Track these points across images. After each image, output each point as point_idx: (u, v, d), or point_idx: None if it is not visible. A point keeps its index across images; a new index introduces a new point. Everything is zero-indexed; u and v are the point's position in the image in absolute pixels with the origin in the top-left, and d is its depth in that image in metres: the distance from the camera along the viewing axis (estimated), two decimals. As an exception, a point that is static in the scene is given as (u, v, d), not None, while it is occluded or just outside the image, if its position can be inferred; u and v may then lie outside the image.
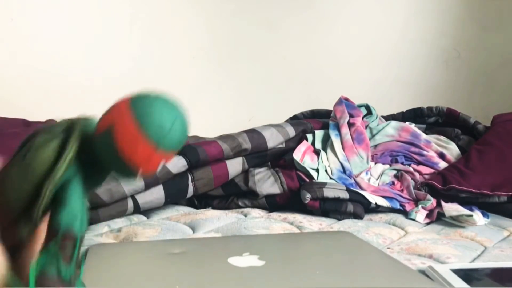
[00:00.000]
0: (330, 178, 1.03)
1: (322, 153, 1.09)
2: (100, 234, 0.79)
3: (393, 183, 1.08)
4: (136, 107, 0.32)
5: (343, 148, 1.11)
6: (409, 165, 1.13)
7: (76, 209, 0.31)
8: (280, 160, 1.09)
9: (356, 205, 0.93)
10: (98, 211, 0.84)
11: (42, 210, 0.31)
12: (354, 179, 1.06)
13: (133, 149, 0.32)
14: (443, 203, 0.95)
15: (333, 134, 1.13)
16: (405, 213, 0.96)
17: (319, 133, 1.16)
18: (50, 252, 0.29)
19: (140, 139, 0.32)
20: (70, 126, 0.33)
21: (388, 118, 1.32)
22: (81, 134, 0.33)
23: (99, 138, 0.33)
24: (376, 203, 0.95)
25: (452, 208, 0.92)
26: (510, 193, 0.97)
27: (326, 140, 1.14)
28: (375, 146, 1.17)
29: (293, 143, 1.12)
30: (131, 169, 0.32)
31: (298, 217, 0.90)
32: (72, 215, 0.31)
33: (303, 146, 1.10)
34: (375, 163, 1.14)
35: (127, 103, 0.33)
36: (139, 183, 0.87)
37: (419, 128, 1.23)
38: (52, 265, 0.29)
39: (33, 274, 0.29)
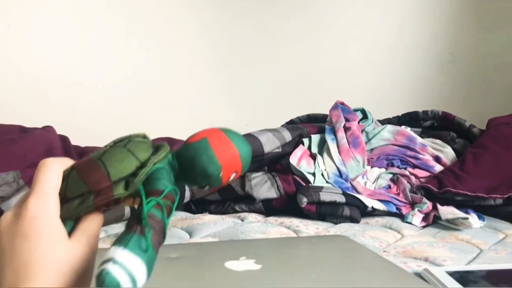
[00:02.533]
0: (327, 182, 1.04)
1: (319, 157, 1.09)
2: (97, 240, 0.80)
3: (389, 186, 1.08)
4: (223, 129, 0.43)
5: (339, 152, 1.11)
6: (405, 168, 1.13)
7: (170, 184, 0.40)
8: (277, 164, 1.10)
9: (352, 209, 0.94)
10: (95, 217, 0.85)
11: (141, 179, 0.39)
12: (350, 183, 1.06)
13: (224, 150, 0.41)
14: (439, 206, 0.96)
15: (329, 138, 1.14)
16: (401, 217, 0.96)
17: (315, 138, 1.17)
18: (157, 201, 0.38)
19: (230, 144, 0.41)
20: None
21: (383, 122, 1.32)
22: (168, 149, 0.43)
23: (193, 144, 0.42)
24: (372, 207, 0.95)
25: (448, 211, 0.93)
26: (505, 196, 0.98)
27: (322, 144, 1.15)
28: (371, 150, 1.18)
29: (289, 147, 1.12)
30: (216, 167, 0.41)
31: (295, 221, 0.91)
32: (169, 186, 0.40)
33: (300, 151, 1.10)
34: (371, 167, 1.15)
35: (215, 128, 0.43)
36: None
37: (415, 132, 1.23)
38: (158, 210, 0.38)
39: (146, 211, 0.37)
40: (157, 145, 0.42)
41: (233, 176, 0.43)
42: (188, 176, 0.43)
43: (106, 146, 0.41)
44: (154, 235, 0.37)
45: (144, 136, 0.42)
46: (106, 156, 0.40)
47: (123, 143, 0.41)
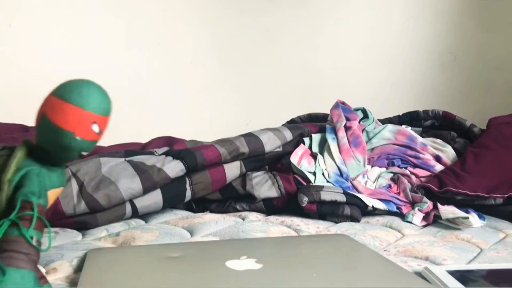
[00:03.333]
0: (327, 181, 1.04)
1: (319, 156, 1.10)
2: (98, 239, 0.80)
3: (389, 186, 1.08)
4: (56, 92, 0.40)
5: (340, 151, 1.11)
6: (406, 168, 1.13)
7: (33, 188, 0.39)
8: (278, 164, 1.10)
9: (353, 208, 0.94)
10: (96, 216, 0.85)
11: (4, 197, 0.39)
12: (351, 182, 1.06)
13: (64, 115, 0.39)
14: (439, 205, 0.96)
15: (330, 137, 1.14)
16: (402, 216, 0.96)
17: (316, 137, 1.17)
18: (11, 220, 0.37)
19: (66, 105, 0.39)
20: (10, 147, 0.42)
21: (384, 121, 1.33)
22: (24, 145, 0.42)
23: (38, 127, 0.40)
24: (373, 206, 0.96)
25: (448, 211, 0.93)
26: (506, 195, 0.98)
27: (323, 144, 1.15)
28: (372, 149, 1.18)
29: (290, 147, 1.12)
30: (67, 135, 0.39)
31: (296, 220, 0.91)
32: (29, 192, 0.39)
33: (300, 150, 1.10)
34: (372, 166, 1.15)
35: (48, 94, 0.41)
36: (136, 186, 0.88)
37: (415, 131, 1.24)
38: (14, 228, 0.37)
39: None
40: (13, 149, 0.42)
41: (95, 127, 0.41)
42: (55, 158, 0.42)
43: None
44: (13, 257, 0.37)
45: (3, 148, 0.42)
46: None
47: None
